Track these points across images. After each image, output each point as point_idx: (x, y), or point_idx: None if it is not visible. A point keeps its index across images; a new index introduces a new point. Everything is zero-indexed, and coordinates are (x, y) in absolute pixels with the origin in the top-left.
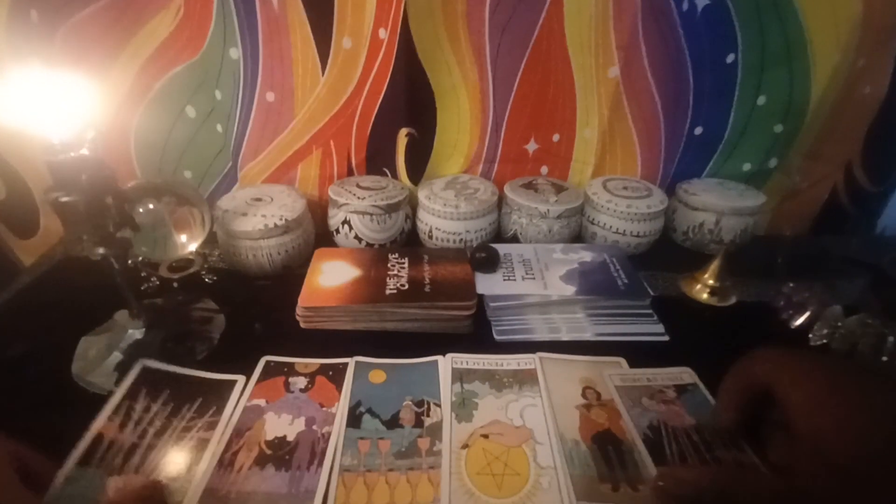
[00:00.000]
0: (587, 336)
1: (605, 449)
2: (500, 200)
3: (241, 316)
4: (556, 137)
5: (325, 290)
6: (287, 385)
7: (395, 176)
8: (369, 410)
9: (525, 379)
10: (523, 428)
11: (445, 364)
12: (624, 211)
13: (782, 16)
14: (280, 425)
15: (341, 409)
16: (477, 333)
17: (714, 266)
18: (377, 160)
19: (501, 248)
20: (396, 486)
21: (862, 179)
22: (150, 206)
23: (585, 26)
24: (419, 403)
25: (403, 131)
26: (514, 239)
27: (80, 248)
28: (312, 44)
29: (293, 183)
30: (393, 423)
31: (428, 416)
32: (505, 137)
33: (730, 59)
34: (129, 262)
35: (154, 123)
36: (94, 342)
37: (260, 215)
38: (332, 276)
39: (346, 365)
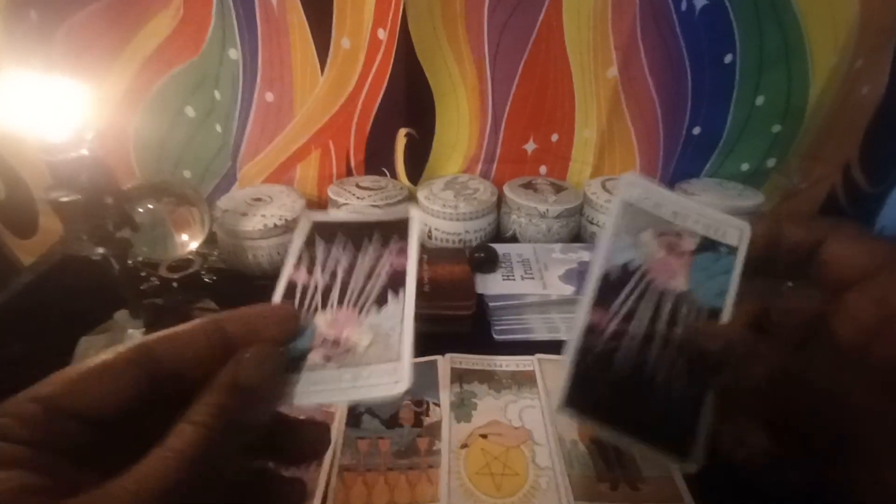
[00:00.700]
0: None
1: (603, 448)
2: (500, 200)
3: None
4: (554, 137)
5: None
6: None
7: (394, 176)
8: (369, 410)
9: (524, 380)
10: (522, 429)
11: (444, 364)
12: None
13: (780, 16)
14: None
15: (341, 408)
16: (476, 333)
17: None
18: (376, 160)
19: (500, 248)
20: (396, 485)
21: (860, 180)
22: (150, 205)
23: (584, 26)
24: (418, 403)
25: (402, 131)
26: (514, 239)
27: (80, 247)
28: (311, 44)
29: (292, 183)
30: (392, 422)
31: (427, 415)
32: (504, 137)
33: (728, 59)
34: (129, 261)
35: (153, 123)
36: (94, 342)
37: (259, 215)
38: None
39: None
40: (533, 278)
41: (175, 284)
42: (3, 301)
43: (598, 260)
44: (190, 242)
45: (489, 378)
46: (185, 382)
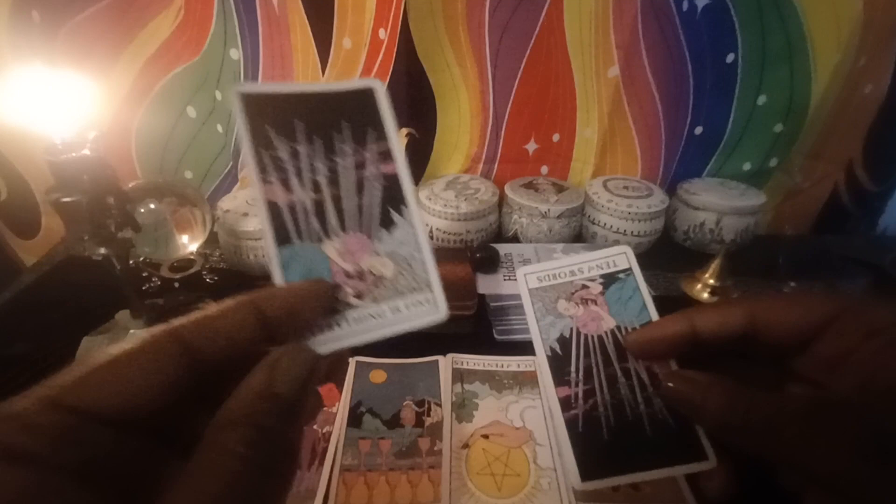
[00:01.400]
0: None
1: None
2: (501, 200)
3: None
4: (556, 137)
5: None
6: None
7: None
8: (370, 410)
9: (525, 381)
10: (523, 429)
11: (446, 364)
12: (624, 211)
13: (783, 15)
14: None
15: (342, 408)
16: (477, 333)
17: (715, 266)
18: None
19: (502, 248)
20: (397, 485)
21: (863, 179)
22: (152, 206)
23: (585, 26)
24: (420, 403)
25: (403, 131)
26: (515, 239)
27: (82, 248)
28: (312, 44)
29: None
30: (393, 422)
31: (428, 415)
32: (505, 137)
33: (730, 58)
34: (131, 262)
35: (155, 123)
36: (96, 342)
37: None
38: None
39: (346, 364)
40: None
41: (177, 285)
42: (5, 301)
43: (538, 345)
44: (191, 243)
45: (490, 378)
46: (222, 374)
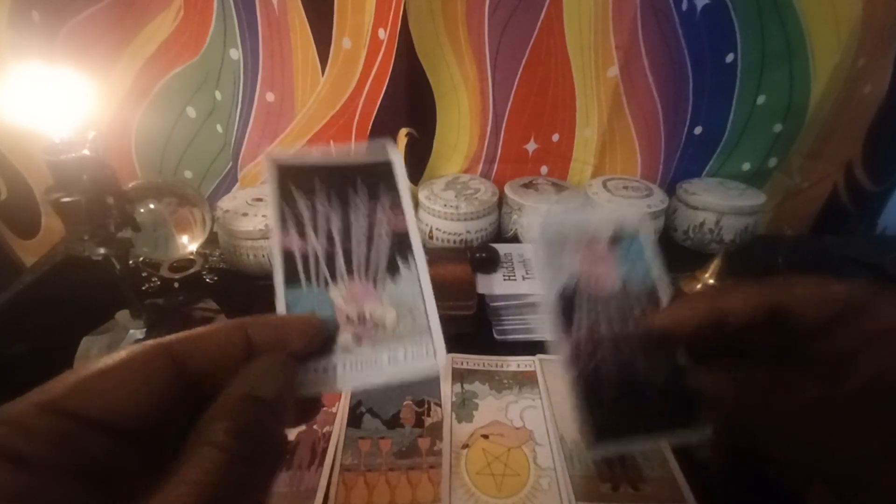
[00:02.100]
0: None
1: None
2: (501, 200)
3: (242, 316)
4: (555, 137)
5: None
6: None
7: None
8: (370, 410)
9: (525, 381)
10: (523, 429)
11: (446, 364)
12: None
13: (782, 15)
14: None
15: (342, 408)
16: (477, 333)
17: (714, 266)
18: None
19: (502, 248)
20: (397, 485)
21: (862, 179)
22: (151, 206)
23: (585, 26)
24: (420, 403)
25: (403, 131)
26: (515, 239)
27: (82, 248)
28: (312, 44)
29: None
30: (393, 422)
31: (428, 415)
32: (505, 137)
33: (729, 58)
34: (130, 262)
35: (155, 124)
36: (96, 342)
37: (261, 215)
38: None
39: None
40: (534, 278)
41: (176, 284)
42: (5, 301)
43: (543, 297)
44: (191, 243)
45: (490, 378)
46: (209, 389)
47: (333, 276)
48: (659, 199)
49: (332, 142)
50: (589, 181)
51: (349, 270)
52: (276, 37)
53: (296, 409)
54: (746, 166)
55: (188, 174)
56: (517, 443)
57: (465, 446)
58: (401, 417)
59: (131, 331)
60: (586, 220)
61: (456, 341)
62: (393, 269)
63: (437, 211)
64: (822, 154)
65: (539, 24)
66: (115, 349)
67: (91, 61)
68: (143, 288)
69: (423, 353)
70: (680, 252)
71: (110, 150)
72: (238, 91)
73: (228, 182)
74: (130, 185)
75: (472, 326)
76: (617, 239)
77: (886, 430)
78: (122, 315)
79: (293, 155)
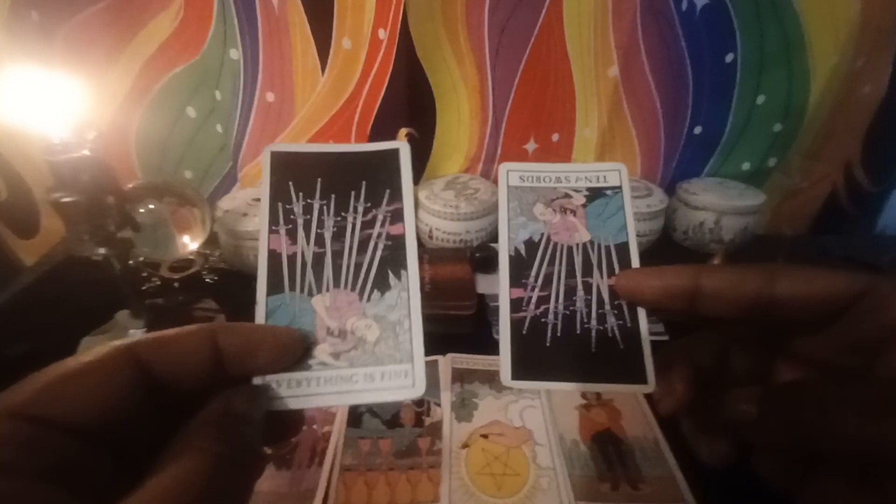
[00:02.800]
0: None
1: (604, 448)
2: None
3: (242, 316)
4: (555, 137)
5: None
6: None
7: None
8: (370, 410)
9: None
10: (523, 429)
11: (445, 364)
12: None
13: (781, 16)
14: None
15: (342, 408)
16: (477, 333)
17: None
18: None
19: None
20: (397, 485)
21: (861, 179)
22: (151, 206)
23: (585, 26)
24: (419, 403)
25: (403, 131)
26: None
27: (82, 248)
28: (312, 44)
29: None
30: (393, 422)
31: (428, 415)
32: (504, 137)
33: (729, 58)
34: (130, 262)
35: (155, 124)
36: (96, 342)
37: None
38: None
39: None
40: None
41: (176, 285)
42: (4, 301)
43: (503, 244)
44: (191, 243)
45: (490, 378)
46: (177, 394)
47: (318, 284)
48: (658, 199)
49: (331, 142)
50: None
51: (336, 278)
52: (276, 37)
53: (274, 425)
54: (746, 166)
55: (188, 174)
56: (517, 442)
57: (465, 446)
58: (400, 417)
59: (131, 331)
60: (564, 172)
61: (456, 341)
62: (382, 283)
63: (436, 211)
64: (822, 154)
65: (539, 24)
66: None
67: (91, 61)
68: (143, 288)
69: (402, 379)
70: (679, 252)
71: (110, 150)
72: (238, 91)
73: (228, 182)
74: (130, 185)
75: (472, 326)
76: (595, 195)
77: None
78: (122, 315)
79: (295, 146)
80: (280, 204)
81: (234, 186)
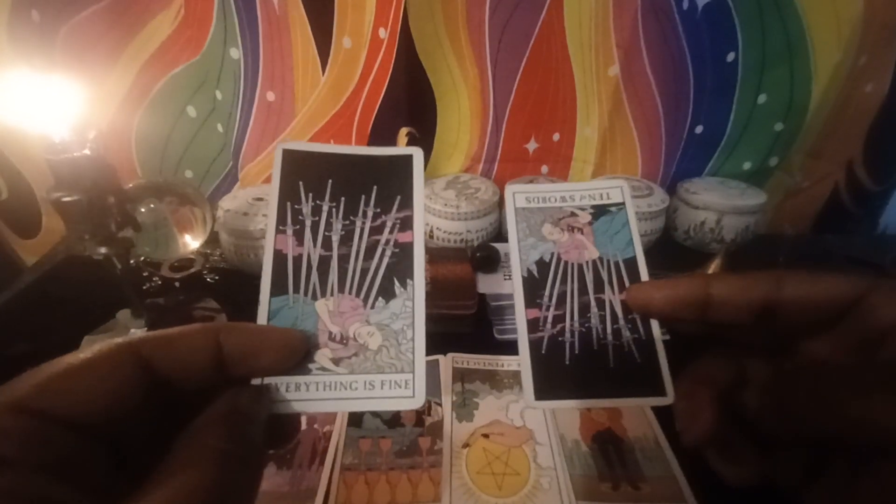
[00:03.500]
0: None
1: (605, 448)
2: (501, 200)
3: (243, 316)
4: (556, 136)
5: None
6: None
7: None
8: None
9: None
10: (524, 428)
11: (446, 364)
12: None
13: (783, 14)
14: None
15: None
16: (478, 333)
17: (715, 265)
18: None
19: (502, 248)
20: (397, 484)
21: (863, 178)
22: (152, 205)
23: (585, 25)
24: None
25: (404, 131)
26: None
27: (82, 247)
28: (313, 43)
29: None
30: (394, 422)
31: (429, 415)
32: (505, 137)
33: (730, 57)
34: (131, 261)
35: (155, 123)
36: (97, 342)
37: (261, 215)
38: None
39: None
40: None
41: (177, 284)
42: (6, 301)
43: (514, 265)
44: (192, 242)
45: (491, 378)
46: (178, 393)
47: (324, 288)
48: (659, 199)
49: (332, 141)
50: (590, 180)
51: (340, 283)
52: (276, 36)
53: (272, 428)
54: (747, 165)
55: (189, 174)
56: (517, 442)
57: (466, 445)
58: (401, 417)
59: (132, 330)
60: (569, 192)
61: (457, 341)
62: (387, 291)
63: (437, 210)
64: (823, 153)
65: (539, 23)
66: None
67: (91, 61)
68: (144, 287)
69: (402, 388)
70: (680, 251)
71: (111, 149)
72: (238, 91)
73: (229, 182)
74: (131, 185)
75: (473, 326)
76: (600, 213)
77: None
78: (123, 314)
79: (307, 145)
80: (289, 203)
81: (234, 186)
